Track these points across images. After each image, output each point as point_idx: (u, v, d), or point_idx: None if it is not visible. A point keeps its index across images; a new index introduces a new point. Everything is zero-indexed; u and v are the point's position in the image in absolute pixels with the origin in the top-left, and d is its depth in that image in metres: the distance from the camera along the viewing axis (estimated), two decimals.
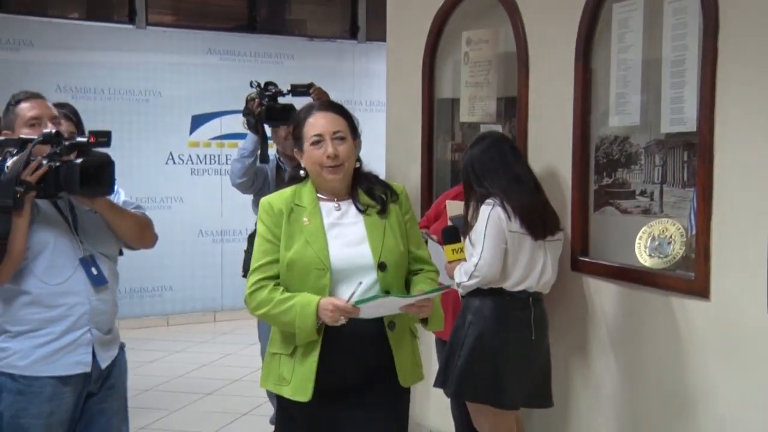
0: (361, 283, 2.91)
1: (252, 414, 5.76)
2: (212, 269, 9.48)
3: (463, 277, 3.86)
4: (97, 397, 3.27)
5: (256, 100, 5.07)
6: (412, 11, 5.55)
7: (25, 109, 3.21)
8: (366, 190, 3.15)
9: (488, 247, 3.72)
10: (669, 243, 3.66)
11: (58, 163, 3.02)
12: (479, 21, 5.01)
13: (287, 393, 3.04)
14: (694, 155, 3.58)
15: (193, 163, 9.56)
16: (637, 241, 3.79)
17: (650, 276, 3.73)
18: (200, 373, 7.32)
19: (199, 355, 7.89)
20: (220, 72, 9.56)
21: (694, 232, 3.53)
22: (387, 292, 3.01)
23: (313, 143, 3.02)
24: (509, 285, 3.81)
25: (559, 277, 4.05)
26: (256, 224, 4.86)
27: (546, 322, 4.02)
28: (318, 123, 3.05)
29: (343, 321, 2.87)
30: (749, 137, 3.24)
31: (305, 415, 3.10)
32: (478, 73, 4.94)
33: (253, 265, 3.09)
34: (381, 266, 3.04)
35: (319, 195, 3.12)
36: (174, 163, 9.42)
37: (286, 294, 3.00)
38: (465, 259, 3.91)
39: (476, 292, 3.89)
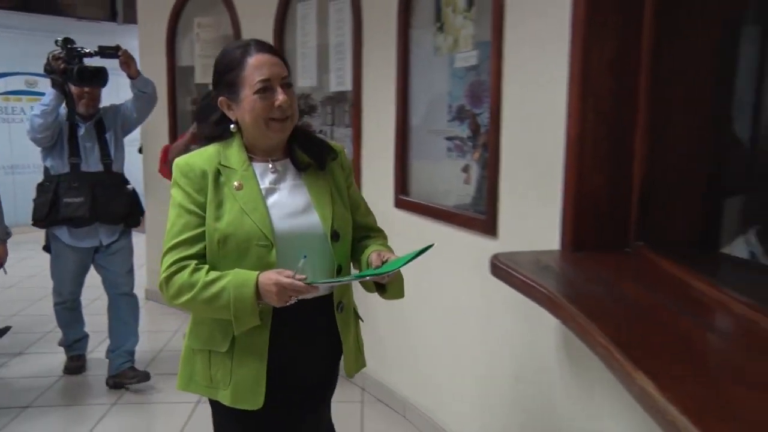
0: (305, 257, 1.77)
1: (46, 299, 5.62)
2: (5, 195, 8.78)
3: None
4: None
5: (62, 59, 3.81)
6: (156, 1, 5.51)
7: None
8: (303, 147, 1.96)
9: None
10: None
11: None
12: (207, 10, 5.07)
13: (225, 399, 1.87)
14: (350, 106, 3.84)
15: None
16: None
17: None
18: None
19: None
20: (1, 42, 8.86)
21: (352, 157, 3.79)
22: (340, 267, 1.92)
23: (259, 91, 1.81)
24: None
25: None
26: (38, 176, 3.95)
27: None
28: (264, 65, 1.83)
29: (293, 301, 1.75)
30: (381, 95, 3.49)
31: (251, 425, 1.91)
32: (207, 48, 5.05)
33: (169, 241, 1.83)
34: (334, 236, 1.89)
35: (249, 155, 1.91)
36: None
37: (214, 274, 1.78)
38: None
39: None
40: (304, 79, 4.22)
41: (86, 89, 3.97)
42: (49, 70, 3.86)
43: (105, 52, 3.98)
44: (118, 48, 4.00)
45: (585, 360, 2.15)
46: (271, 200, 1.87)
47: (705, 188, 2.22)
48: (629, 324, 1.63)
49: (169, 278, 1.80)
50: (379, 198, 3.54)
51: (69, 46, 3.87)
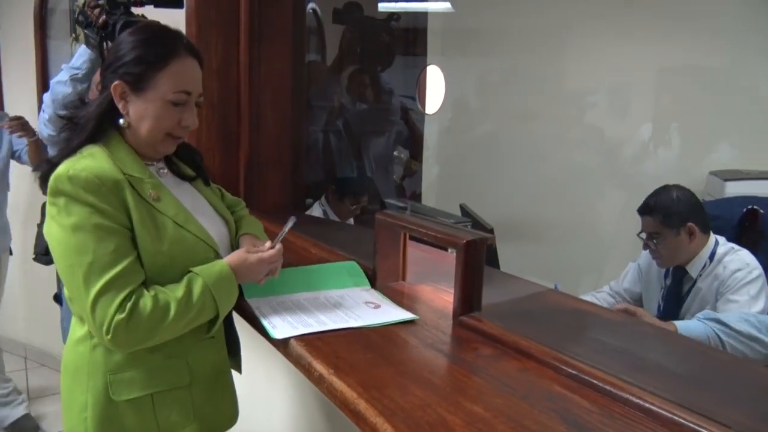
0: (294, 219, 1.31)
1: None
2: None
3: None
4: None
5: (101, 7, 1.97)
6: None
7: None
8: (182, 157, 1.33)
9: None
10: None
11: None
12: None
13: None
14: None
15: None
16: None
17: None
18: None
19: None
20: None
21: None
22: None
23: (173, 102, 1.18)
24: None
25: None
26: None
27: None
28: (188, 74, 1.20)
29: (274, 272, 1.27)
30: (21, 92, 3.13)
31: None
32: None
33: (102, 275, 1.07)
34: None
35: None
36: None
37: (179, 288, 1.13)
38: None
39: None
40: None
41: None
42: (83, 23, 2.09)
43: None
44: None
45: None
46: (188, 206, 1.24)
47: (291, 167, 2.40)
48: None
49: (129, 318, 1.07)
50: None
51: None
